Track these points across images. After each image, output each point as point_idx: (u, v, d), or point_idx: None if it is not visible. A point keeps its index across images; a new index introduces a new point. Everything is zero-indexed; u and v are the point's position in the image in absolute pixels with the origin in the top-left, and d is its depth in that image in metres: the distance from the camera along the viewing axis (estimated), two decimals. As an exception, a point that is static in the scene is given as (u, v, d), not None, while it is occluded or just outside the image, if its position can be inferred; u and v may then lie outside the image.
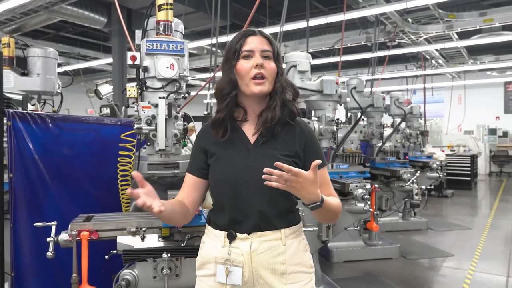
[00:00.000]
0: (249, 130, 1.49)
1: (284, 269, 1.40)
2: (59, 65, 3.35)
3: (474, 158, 10.99)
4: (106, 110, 4.48)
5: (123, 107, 4.78)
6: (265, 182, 1.22)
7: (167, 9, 2.14)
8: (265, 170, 1.21)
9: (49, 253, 1.87)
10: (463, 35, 9.47)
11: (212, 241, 1.48)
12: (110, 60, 10.54)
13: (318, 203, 1.31)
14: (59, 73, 3.39)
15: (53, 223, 1.94)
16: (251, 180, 1.40)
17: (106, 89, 3.90)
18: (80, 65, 11.36)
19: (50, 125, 2.48)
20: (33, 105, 3.08)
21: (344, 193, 3.29)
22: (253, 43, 1.44)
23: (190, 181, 1.52)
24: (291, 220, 1.47)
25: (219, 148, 1.47)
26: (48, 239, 1.89)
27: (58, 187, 2.53)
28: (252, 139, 1.47)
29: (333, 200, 1.42)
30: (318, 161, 1.24)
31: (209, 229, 1.52)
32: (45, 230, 2.02)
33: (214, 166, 1.47)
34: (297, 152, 1.46)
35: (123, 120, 3.03)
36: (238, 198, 1.42)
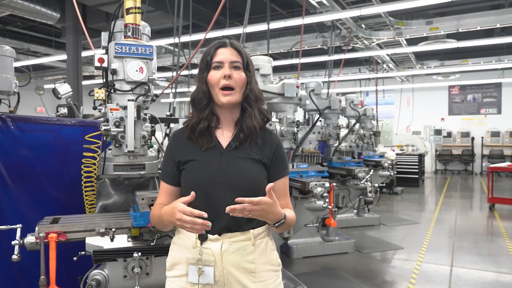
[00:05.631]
0: (221, 136, 1.56)
1: (253, 268, 1.47)
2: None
3: (421, 157, 11.68)
4: (63, 110, 4.36)
5: (81, 108, 4.68)
6: (231, 214, 1.31)
7: (135, 12, 2.16)
8: (227, 209, 1.29)
9: (14, 256, 1.84)
10: (411, 42, 10.08)
11: (183, 242, 1.51)
12: (62, 56, 10.14)
13: (282, 221, 1.43)
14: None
15: (18, 226, 1.92)
16: (223, 182, 1.47)
17: (64, 88, 3.78)
18: (30, 61, 10.81)
19: (11, 126, 2.42)
20: (-12, 104, 2.95)
21: (304, 191, 3.44)
22: (223, 54, 1.51)
23: (166, 189, 1.57)
24: (259, 221, 1.49)
25: (192, 154, 1.53)
26: (13, 242, 1.86)
27: (19, 189, 2.48)
28: (224, 144, 1.54)
29: (290, 213, 1.52)
30: (271, 185, 1.34)
31: (179, 230, 1.55)
32: (4, 233, 1.98)
33: (187, 169, 1.52)
34: (266, 157, 1.54)
35: (84, 121, 3.00)
36: (210, 201, 1.47)
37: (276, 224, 1.43)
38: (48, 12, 7.97)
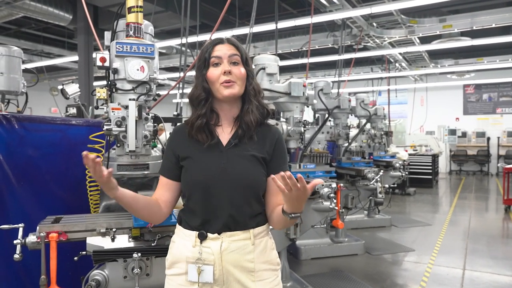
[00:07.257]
0: (222, 133, 1.54)
1: (252, 267, 1.46)
2: (22, 62, 3.25)
3: (435, 157, 11.48)
4: (73, 110, 4.39)
5: (90, 108, 4.71)
6: (275, 183, 1.24)
7: (137, 11, 2.15)
8: (282, 175, 1.23)
9: (16, 256, 1.85)
10: (424, 40, 9.90)
11: (183, 240, 1.51)
12: (75, 58, 10.26)
13: (298, 214, 1.38)
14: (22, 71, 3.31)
15: (20, 225, 1.92)
16: (223, 181, 1.45)
17: (73, 88, 3.81)
18: (44, 62, 10.98)
19: (16, 126, 2.44)
20: (-4, 104, 2.99)
21: (311, 192, 3.39)
22: (220, 50, 1.50)
23: (163, 182, 1.57)
24: (259, 221, 1.52)
25: (192, 150, 1.52)
26: (15, 242, 1.87)
27: (24, 189, 2.49)
28: (224, 142, 1.52)
29: None
30: (320, 181, 1.28)
31: (179, 229, 1.55)
32: (9, 233, 1.99)
33: (186, 167, 1.51)
34: (267, 152, 1.53)
35: (90, 120, 3.01)
36: (210, 199, 1.46)
37: (293, 215, 1.36)
38: (60, 14, 8.07)
